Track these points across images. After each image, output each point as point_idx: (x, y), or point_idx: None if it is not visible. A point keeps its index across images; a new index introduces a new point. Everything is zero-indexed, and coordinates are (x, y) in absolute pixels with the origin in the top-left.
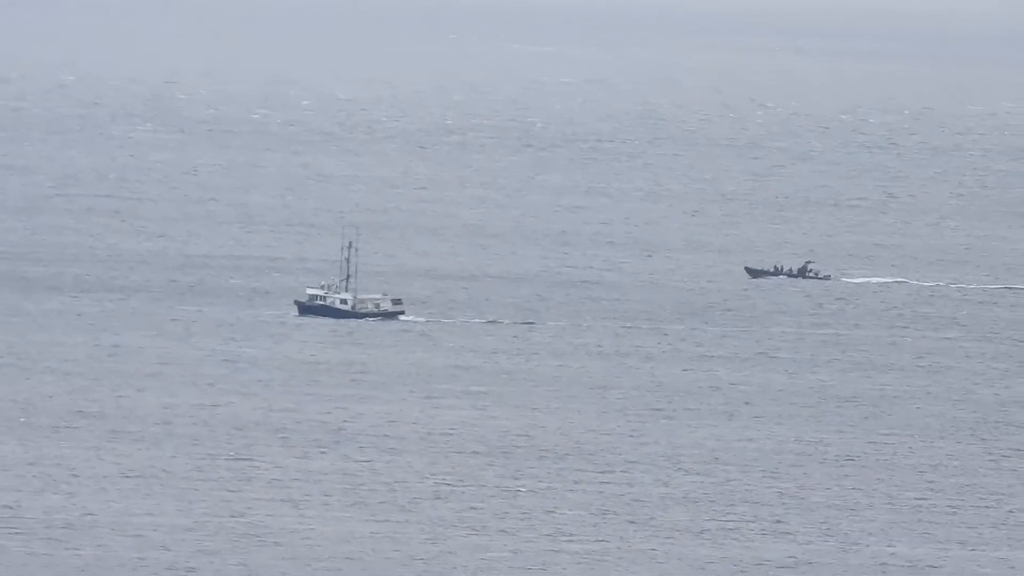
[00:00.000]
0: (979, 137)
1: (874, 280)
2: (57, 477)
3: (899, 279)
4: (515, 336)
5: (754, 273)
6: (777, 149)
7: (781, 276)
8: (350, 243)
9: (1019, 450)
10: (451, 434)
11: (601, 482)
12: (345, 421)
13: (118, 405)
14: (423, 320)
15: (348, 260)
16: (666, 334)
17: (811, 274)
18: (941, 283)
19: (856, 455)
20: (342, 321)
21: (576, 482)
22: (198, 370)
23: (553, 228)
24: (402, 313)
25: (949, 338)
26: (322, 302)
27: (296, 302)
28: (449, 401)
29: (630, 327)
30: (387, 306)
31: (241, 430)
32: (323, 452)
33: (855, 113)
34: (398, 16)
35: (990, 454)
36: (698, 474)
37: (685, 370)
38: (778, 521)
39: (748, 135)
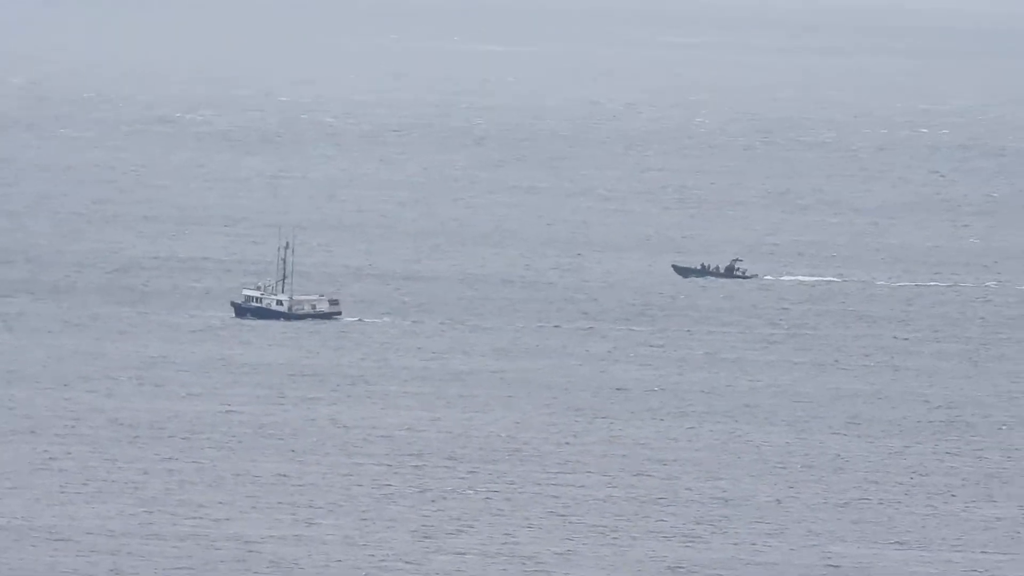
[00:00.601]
0: (916, 135)
1: (801, 279)
2: None
3: (826, 277)
4: (449, 336)
5: (682, 272)
6: (710, 147)
7: (708, 275)
8: (287, 244)
9: (956, 450)
10: (391, 435)
11: (545, 483)
12: (282, 422)
13: (53, 408)
14: (360, 321)
15: (284, 261)
16: (604, 335)
17: (738, 272)
18: (869, 280)
19: (795, 453)
20: (278, 322)
21: (514, 483)
22: (133, 372)
23: (489, 227)
24: (339, 314)
25: (876, 335)
26: (258, 304)
27: (232, 303)
28: (387, 401)
29: (562, 327)
30: (324, 307)
31: (177, 431)
32: (260, 453)
33: (796, 110)
34: (343, 14)
35: (934, 452)
36: (641, 474)
37: (623, 370)
38: (723, 520)
39: (684, 132)
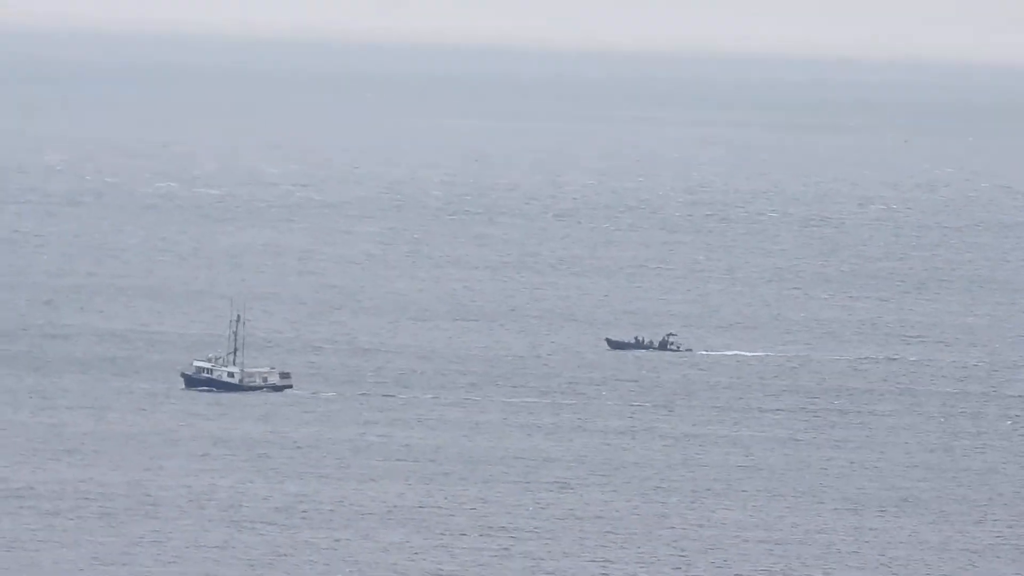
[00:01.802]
0: (838, 205)
1: (734, 353)
2: None
3: (759, 352)
4: (389, 409)
5: (615, 345)
6: (635, 216)
7: (643, 349)
8: (238, 316)
9: (877, 527)
10: (336, 509)
11: (492, 554)
12: (229, 494)
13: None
14: (311, 394)
15: (236, 333)
16: (533, 409)
17: (672, 347)
18: (800, 354)
19: (711, 526)
20: (229, 394)
21: (457, 555)
22: (80, 443)
23: (437, 299)
24: (290, 387)
25: (807, 410)
26: (209, 375)
27: (183, 374)
28: (334, 474)
29: (498, 400)
30: (275, 379)
31: (118, 503)
32: (212, 526)
33: (722, 183)
34: (299, 84)
35: (856, 528)
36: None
37: (556, 442)
38: None
39: (586, 203)
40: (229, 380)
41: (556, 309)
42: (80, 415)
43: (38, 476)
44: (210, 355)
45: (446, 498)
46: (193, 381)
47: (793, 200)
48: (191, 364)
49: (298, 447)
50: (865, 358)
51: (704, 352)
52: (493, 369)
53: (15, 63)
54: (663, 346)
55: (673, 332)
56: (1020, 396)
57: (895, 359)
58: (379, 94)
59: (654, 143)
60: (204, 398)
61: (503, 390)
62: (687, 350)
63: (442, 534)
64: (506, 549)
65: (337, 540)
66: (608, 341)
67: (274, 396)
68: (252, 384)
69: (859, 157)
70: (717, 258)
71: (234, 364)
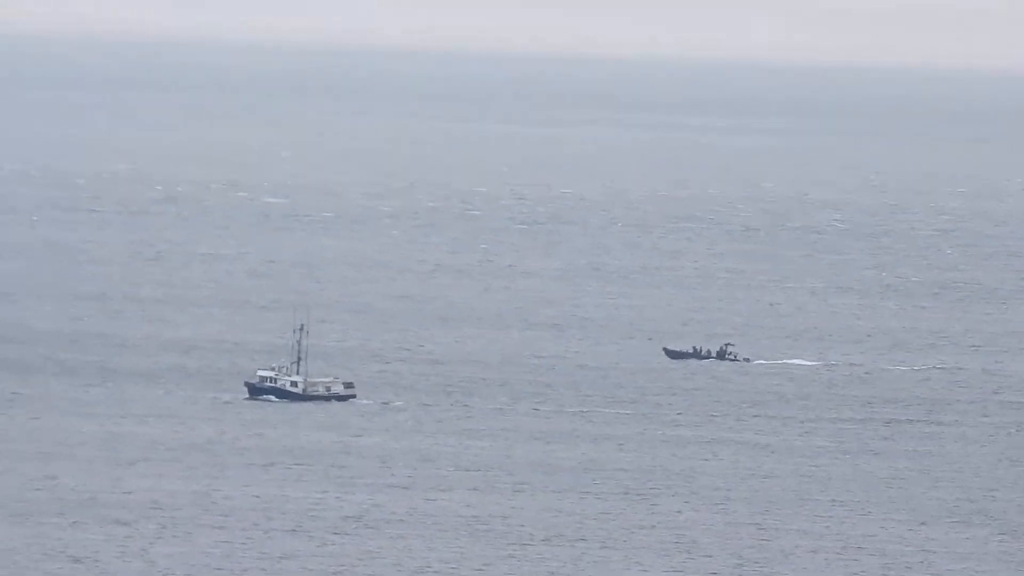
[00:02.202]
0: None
1: (793, 362)
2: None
3: (818, 361)
4: (455, 419)
5: (673, 355)
6: (695, 225)
7: (700, 358)
8: (301, 325)
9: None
10: (404, 519)
11: (562, 563)
12: (295, 504)
13: (65, 489)
14: (375, 403)
15: (299, 342)
16: (597, 419)
17: (730, 356)
18: (863, 364)
19: (768, 543)
20: (292, 404)
21: (522, 561)
22: (146, 453)
23: (498, 309)
24: (353, 396)
25: (872, 420)
26: (272, 384)
27: (247, 384)
28: (400, 484)
29: (560, 411)
30: (338, 389)
31: (184, 513)
32: (279, 535)
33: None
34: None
35: (927, 539)
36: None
37: (630, 453)
38: None
39: (642, 212)
40: (292, 390)
41: (616, 318)
42: (146, 425)
43: (105, 486)
44: (274, 365)
45: (514, 507)
46: (257, 390)
47: (859, 209)
48: (255, 373)
49: (363, 457)
50: (931, 367)
51: (762, 361)
52: (555, 378)
53: (64, 69)
54: (721, 356)
55: (731, 342)
56: None
57: (962, 369)
58: (442, 101)
59: (716, 151)
60: (268, 408)
61: (566, 399)
62: (744, 360)
63: (512, 544)
64: (576, 559)
65: (405, 550)
66: (666, 351)
67: (338, 406)
68: (315, 394)
69: (927, 164)
70: (776, 267)
71: (297, 373)
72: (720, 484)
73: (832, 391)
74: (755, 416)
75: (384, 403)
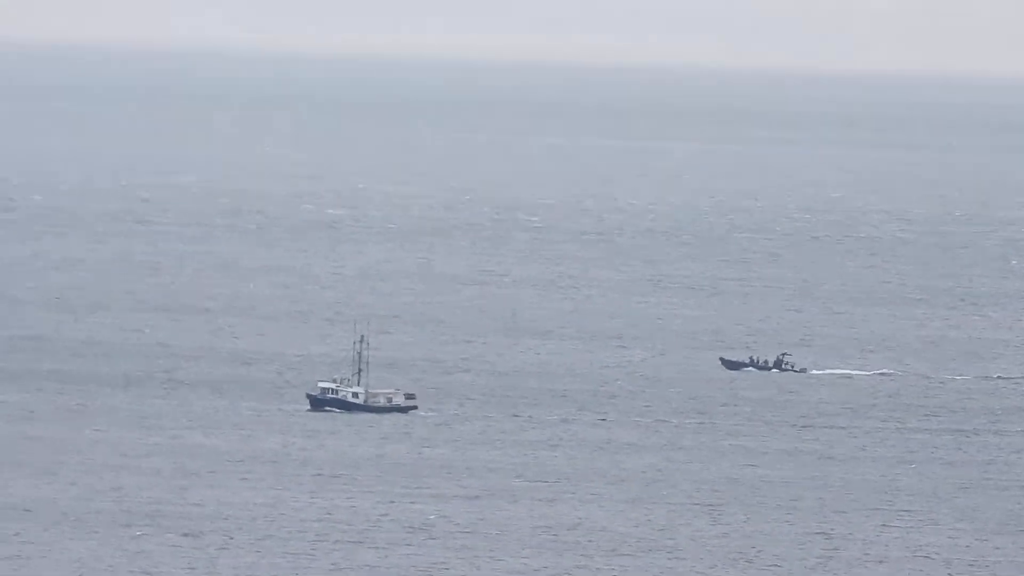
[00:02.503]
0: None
1: (849, 372)
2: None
3: (880, 371)
4: (516, 430)
5: (730, 365)
6: (745, 238)
7: (757, 368)
8: (362, 337)
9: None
10: (470, 529)
11: (631, 574)
12: (359, 515)
13: (131, 500)
14: (436, 414)
15: (360, 354)
16: (661, 429)
17: (786, 366)
18: (921, 373)
19: (835, 553)
20: (354, 415)
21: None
22: (213, 464)
23: (558, 320)
24: (415, 408)
25: (927, 429)
26: (334, 395)
27: (308, 395)
28: (464, 494)
29: (617, 421)
30: (400, 400)
31: (249, 524)
32: (343, 546)
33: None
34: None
35: (995, 548)
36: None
37: (688, 463)
38: None
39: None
40: (354, 401)
41: (672, 328)
42: (210, 436)
43: (171, 497)
44: (335, 376)
45: (580, 519)
46: (318, 402)
47: (914, 218)
48: (316, 385)
49: (427, 468)
50: (996, 377)
51: (818, 371)
52: (615, 388)
53: (116, 81)
54: (777, 365)
55: (787, 351)
56: None
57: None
58: (503, 114)
59: (773, 163)
60: (329, 419)
61: (627, 409)
62: (801, 370)
63: (579, 555)
64: (643, 570)
65: (471, 562)
66: (723, 360)
67: (399, 417)
68: (377, 405)
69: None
70: (830, 276)
71: (359, 385)
72: (785, 494)
73: (895, 400)
74: (820, 427)
75: (446, 414)
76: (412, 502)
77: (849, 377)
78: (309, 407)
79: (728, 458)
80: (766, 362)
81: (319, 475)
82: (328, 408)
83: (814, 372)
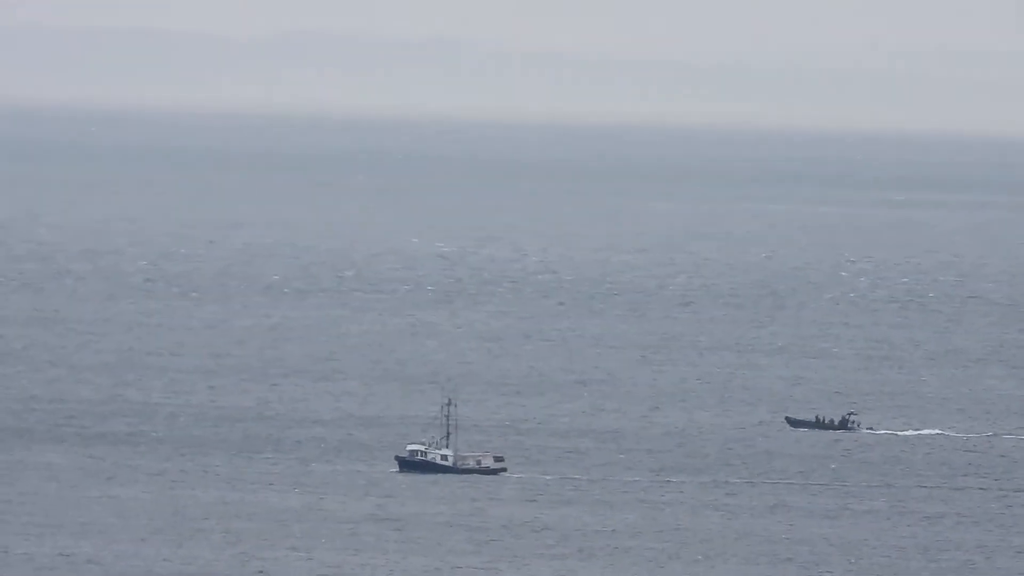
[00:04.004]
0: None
1: (917, 433)
2: None
3: (940, 431)
4: (604, 492)
5: (795, 423)
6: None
7: (823, 428)
8: (449, 400)
9: None
10: None
11: None
12: None
13: (219, 559)
14: (526, 477)
15: (448, 416)
16: (733, 490)
17: (852, 426)
18: (990, 434)
19: None
20: (443, 477)
21: None
22: (296, 525)
23: (639, 381)
24: (504, 470)
25: (993, 490)
26: (423, 458)
27: (397, 457)
28: (555, 555)
29: (693, 480)
30: (489, 463)
31: None
32: None
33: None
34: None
35: None
36: None
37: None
38: None
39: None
40: (443, 463)
41: (735, 386)
42: (297, 498)
43: (257, 559)
44: (424, 439)
45: None
46: (407, 464)
47: (987, 278)
48: (405, 448)
49: (516, 530)
50: None
51: (886, 432)
52: (693, 448)
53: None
54: (843, 425)
55: (853, 411)
56: None
57: None
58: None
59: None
60: (418, 481)
61: (697, 470)
62: (867, 429)
63: None
64: None
65: None
66: (788, 420)
67: (488, 479)
68: (466, 467)
69: None
70: (898, 336)
71: (447, 447)
72: (885, 554)
73: (960, 459)
74: (883, 486)
75: (533, 476)
76: (506, 562)
77: (920, 437)
78: (398, 469)
79: (814, 518)
80: (831, 421)
81: (408, 538)
82: (417, 471)
83: (882, 432)
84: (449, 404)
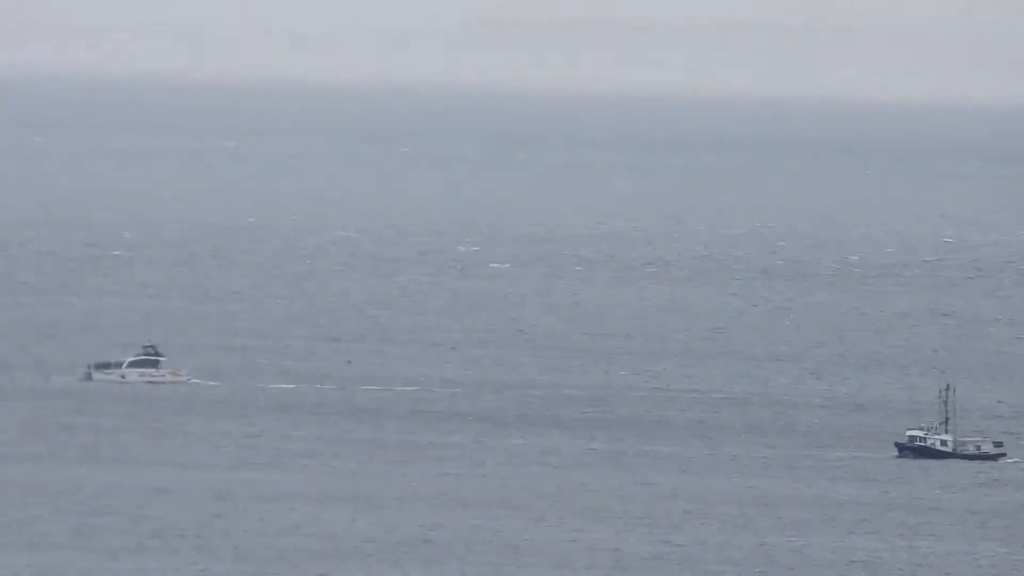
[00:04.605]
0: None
1: None
2: None
3: None
4: None
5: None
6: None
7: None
8: (947, 385)
9: None
10: None
11: None
12: (943, 559)
13: (721, 547)
14: None
15: (946, 402)
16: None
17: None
18: None
19: None
20: (941, 462)
21: None
22: (796, 511)
23: None
24: (1004, 456)
25: None
26: (922, 443)
27: (896, 443)
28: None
29: None
30: (988, 448)
31: (836, 572)
32: None
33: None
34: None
35: None
36: None
37: None
38: None
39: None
40: (942, 449)
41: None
42: (794, 483)
43: (750, 543)
44: (923, 424)
45: None
46: (905, 449)
47: None
48: (904, 433)
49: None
50: None
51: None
52: None
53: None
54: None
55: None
56: None
57: None
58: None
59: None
60: (917, 466)
61: None
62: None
63: None
64: None
65: None
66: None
67: (988, 464)
68: (965, 453)
69: None
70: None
71: (947, 433)
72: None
73: None
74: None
75: None
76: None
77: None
78: (896, 454)
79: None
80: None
81: (904, 523)
82: (915, 456)
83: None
84: (947, 389)
